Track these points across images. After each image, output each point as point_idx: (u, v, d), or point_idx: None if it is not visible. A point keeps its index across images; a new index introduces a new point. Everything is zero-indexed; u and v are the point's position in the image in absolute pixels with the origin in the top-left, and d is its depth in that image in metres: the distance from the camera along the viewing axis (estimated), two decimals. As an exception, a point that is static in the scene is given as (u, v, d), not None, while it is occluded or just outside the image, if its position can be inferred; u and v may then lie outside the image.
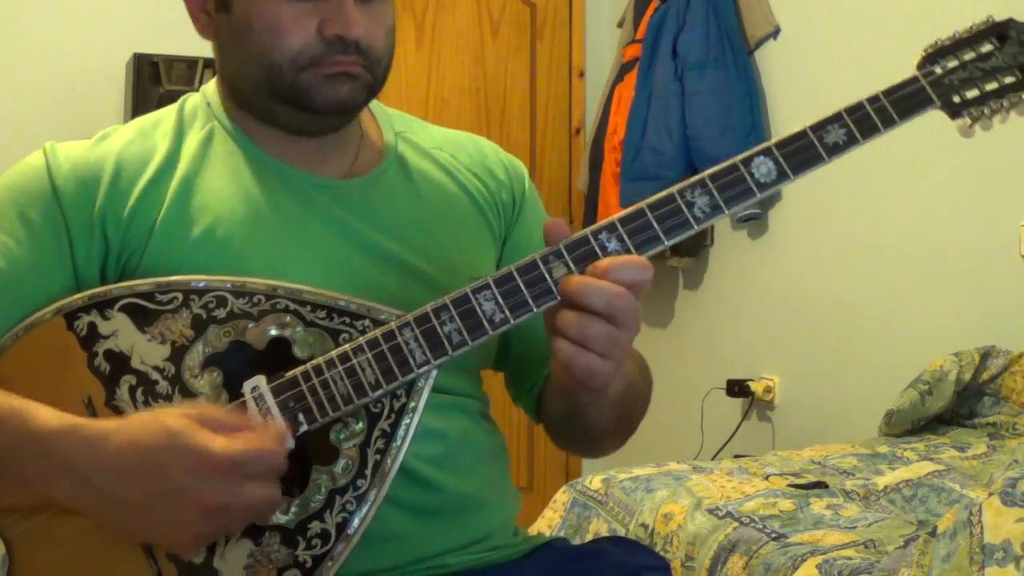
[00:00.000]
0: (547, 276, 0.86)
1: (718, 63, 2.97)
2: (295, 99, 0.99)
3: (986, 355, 2.22)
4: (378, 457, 0.88)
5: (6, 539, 0.87)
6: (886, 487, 1.79)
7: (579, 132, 3.71)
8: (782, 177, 0.88)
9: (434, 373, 0.89)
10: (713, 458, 2.86)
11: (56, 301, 0.92)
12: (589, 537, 1.86)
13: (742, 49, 3.01)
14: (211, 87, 1.09)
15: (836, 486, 1.80)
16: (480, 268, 1.07)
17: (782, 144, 0.89)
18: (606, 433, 1.06)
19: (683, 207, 0.88)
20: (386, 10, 1.03)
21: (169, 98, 1.07)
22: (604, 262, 0.85)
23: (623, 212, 0.88)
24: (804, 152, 0.89)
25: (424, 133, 1.15)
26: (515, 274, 0.86)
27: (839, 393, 2.76)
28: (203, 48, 3.54)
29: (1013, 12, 0.95)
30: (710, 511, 1.68)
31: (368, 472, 0.88)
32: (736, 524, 1.62)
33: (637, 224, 0.87)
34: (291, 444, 0.85)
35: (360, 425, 0.88)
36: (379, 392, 0.87)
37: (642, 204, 0.88)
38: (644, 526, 1.76)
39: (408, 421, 0.88)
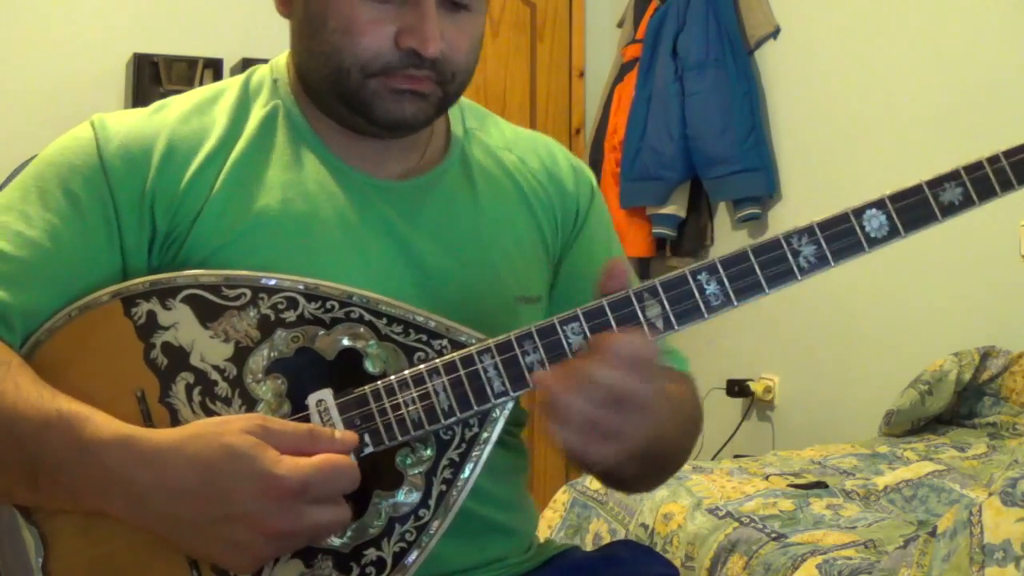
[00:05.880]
0: (640, 314, 0.82)
1: (718, 63, 2.97)
2: (359, 107, 0.93)
3: (986, 355, 2.22)
4: (444, 488, 0.83)
5: (42, 532, 0.82)
6: (886, 487, 1.79)
7: (579, 132, 3.70)
8: (893, 234, 0.85)
9: (510, 404, 0.84)
10: (713, 458, 2.86)
11: (104, 287, 0.86)
12: (589, 537, 1.87)
13: (742, 49, 3.00)
14: (281, 62, 1.02)
15: (836, 486, 1.80)
16: (529, 288, 1.02)
17: (896, 198, 0.85)
18: (632, 479, 1.00)
19: (788, 255, 0.85)
20: (476, 23, 0.97)
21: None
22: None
23: (726, 255, 0.84)
24: (918, 209, 0.85)
25: (496, 131, 1.09)
26: (607, 308, 0.82)
27: (839, 393, 2.76)
28: (203, 48, 3.49)
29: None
30: (710, 511, 1.68)
31: (432, 503, 0.83)
32: (736, 524, 1.62)
33: (740, 268, 0.84)
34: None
35: (428, 452, 0.83)
36: (452, 420, 0.82)
37: (746, 247, 0.84)
38: (644, 526, 1.76)
39: (479, 453, 0.84)
